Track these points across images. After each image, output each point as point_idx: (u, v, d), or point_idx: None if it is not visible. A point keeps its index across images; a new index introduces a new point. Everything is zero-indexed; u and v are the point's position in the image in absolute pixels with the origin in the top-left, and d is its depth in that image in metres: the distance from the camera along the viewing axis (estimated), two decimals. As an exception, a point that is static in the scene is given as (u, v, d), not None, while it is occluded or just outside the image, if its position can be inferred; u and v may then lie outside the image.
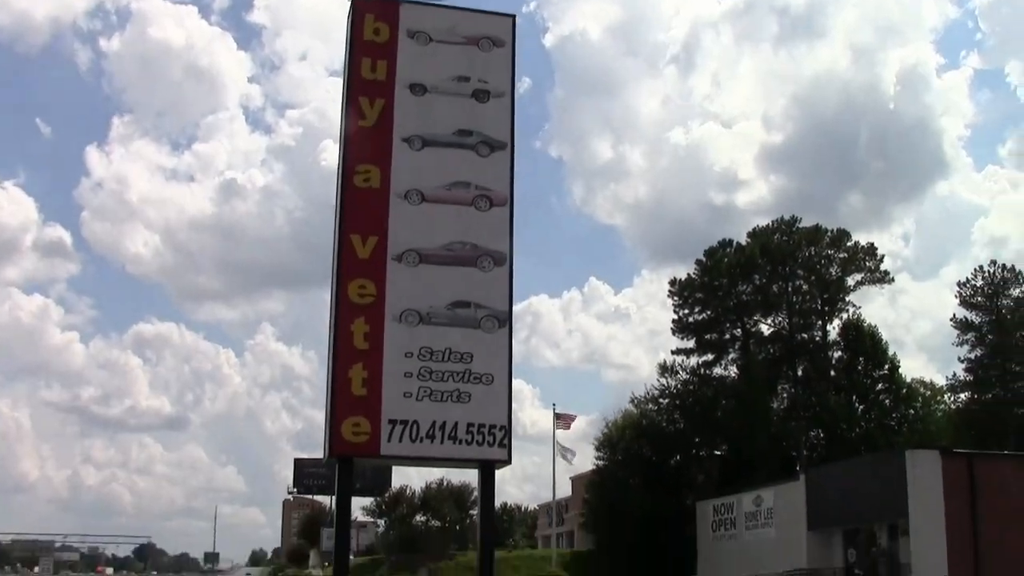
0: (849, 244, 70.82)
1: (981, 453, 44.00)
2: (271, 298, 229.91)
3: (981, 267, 72.48)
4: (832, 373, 68.13)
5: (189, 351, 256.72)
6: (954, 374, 74.39)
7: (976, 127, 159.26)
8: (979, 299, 72.26)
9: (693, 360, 70.72)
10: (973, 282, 72.66)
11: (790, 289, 70.71)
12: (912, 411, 65.19)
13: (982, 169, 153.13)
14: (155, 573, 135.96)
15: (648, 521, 57.24)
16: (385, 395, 23.28)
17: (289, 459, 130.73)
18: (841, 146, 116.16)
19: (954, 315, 72.96)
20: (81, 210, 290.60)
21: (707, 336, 70.95)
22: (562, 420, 56.18)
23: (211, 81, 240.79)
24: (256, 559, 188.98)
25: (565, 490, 75.56)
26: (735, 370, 70.26)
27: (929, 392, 72.82)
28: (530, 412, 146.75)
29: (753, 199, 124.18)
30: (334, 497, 29.11)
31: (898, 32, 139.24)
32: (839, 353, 68.81)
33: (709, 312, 71.19)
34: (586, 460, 70.42)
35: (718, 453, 67.00)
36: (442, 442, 23.47)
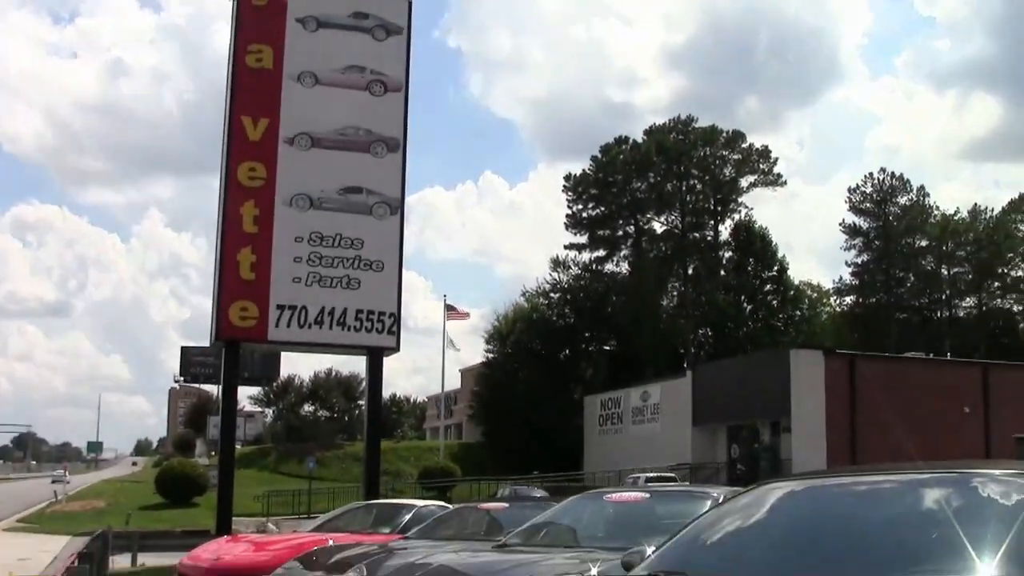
0: (744, 146, 71.53)
1: (862, 354, 45.23)
2: (160, 183, 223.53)
3: (871, 174, 74.22)
4: (722, 273, 69.31)
5: (73, 235, 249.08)
6: (841, 278, 76.71)
7: (874, 36, 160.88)
8: (868, 205, 73.93)
9: (585, 256, 71.54)
10: (863, 188, 74.29)
11: (684, 188, 71.28)
12: (799, 312, 66.87)
13: (878, 78, 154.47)
14: (34, 462, 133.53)
15: (536, 414, 57.87)
16: (274, 280, 23.04)
17: (176, 347, 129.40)
18: (741, 49, 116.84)
19: (843, 220, 74.71)
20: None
21: (600, 232, 71.39)
22: (453, 312, 56.00)
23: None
24: (141, 448, 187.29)
25: (455, 382, 75.93)
26: (627, 267, 71.05)
27: (816, 294, 74.79)
28: (422, 304, 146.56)
29: (651, 98, 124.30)
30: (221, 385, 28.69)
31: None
32: (730, 253, 70.07)
33: (603, 208, 71.50)
34: (476, 354, 70.76)
35: (607, 348, 67.91)
36: (331, 328, 23.32)
